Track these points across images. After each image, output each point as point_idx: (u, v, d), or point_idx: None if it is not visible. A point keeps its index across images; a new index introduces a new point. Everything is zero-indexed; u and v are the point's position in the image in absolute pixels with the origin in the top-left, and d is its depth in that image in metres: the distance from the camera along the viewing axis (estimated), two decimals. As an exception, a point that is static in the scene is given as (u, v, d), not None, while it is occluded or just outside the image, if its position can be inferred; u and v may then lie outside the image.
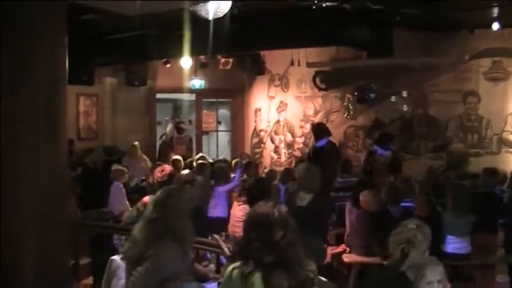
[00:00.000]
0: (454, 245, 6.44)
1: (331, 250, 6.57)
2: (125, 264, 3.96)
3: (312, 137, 11.60)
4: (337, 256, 6.60)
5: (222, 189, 7.97)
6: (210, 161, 10.60)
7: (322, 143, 9.25)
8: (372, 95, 10.44)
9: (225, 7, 5.63)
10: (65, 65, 3.60)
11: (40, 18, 3.43)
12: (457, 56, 10.04)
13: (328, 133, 9.45)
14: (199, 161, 9.65)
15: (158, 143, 13.63)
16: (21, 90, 3.37)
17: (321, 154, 8.98)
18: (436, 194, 7.23)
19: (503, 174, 7.81)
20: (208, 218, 7.51)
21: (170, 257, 3.69)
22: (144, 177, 10.19)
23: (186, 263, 4.10)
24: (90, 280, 6.55)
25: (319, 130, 9.66)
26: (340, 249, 6.77)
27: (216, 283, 4.55)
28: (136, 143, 11.56)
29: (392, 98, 10.95)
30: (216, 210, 7.74)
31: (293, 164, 11.61)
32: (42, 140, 3.44)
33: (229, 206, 7.92)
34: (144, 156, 11.52)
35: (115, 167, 9.21)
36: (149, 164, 11.24)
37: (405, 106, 10.91)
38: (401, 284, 3.39)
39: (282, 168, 10.63)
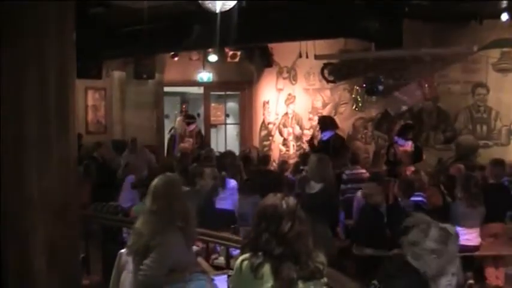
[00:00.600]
0: (463, 236, 6.41)
1: (339, 242, 6.58)
2: (131, 258, 3.98)
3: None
4: (346, 248, 6.60)
5: (234, 183, 7.91)
6: (217, 154, 10.61)
7: (327, 135, 9.23)
8: (381, 87, 10.42)
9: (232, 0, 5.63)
10: (73, 60, 3.63)
11: (47, 15, 3.46)
12: (466, 47, 9.99)
13: (333, 126, 9.42)
14: (205, 155, 9.65)
15: (167, 136, 13.68)
16: (28, 87, 3.41)
17: (326, 147, 8.98)
18: (446, 186, 7.23)
19: (510, 165, 7.78)
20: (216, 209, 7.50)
21: (175, 244, 3.72)
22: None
23: (191, 251, 4.13)
24: (100, 274, 6.58)
25: (324, 123, 9.65)
26: (348, 241, 6.77)
27: (226, 275, 4.57)
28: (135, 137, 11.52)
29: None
30: (224, 203, 7.73)
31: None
32: (51, 134, 3.47)
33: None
34: (147, 151, 11.44)
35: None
36: (153, 158, 11.15)
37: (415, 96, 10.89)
38: (404, 270, 3.39)
39: (292, 161, 10.67)
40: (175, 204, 3.78)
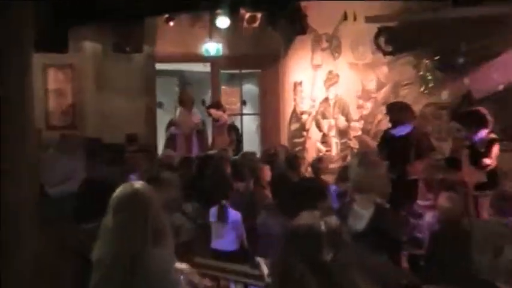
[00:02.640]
0: None
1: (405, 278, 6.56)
2: None
3: (377, 121, 11.66)
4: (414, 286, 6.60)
5: (236, 216, 7.44)
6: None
7: (404, 130, 9.15)
8: (461, 60, 10.40)
9: None
10: (29, 28, 3.69)
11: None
12: None
13: (412, 116, 9.38)
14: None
15: (161, 135, 13.73)
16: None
17: (404, 146, 8.87)
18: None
19: None
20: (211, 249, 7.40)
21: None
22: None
23: None
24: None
25: (399, 111, 9.56)
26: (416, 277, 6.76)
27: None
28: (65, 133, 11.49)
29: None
30: (222, 242, 7.41)
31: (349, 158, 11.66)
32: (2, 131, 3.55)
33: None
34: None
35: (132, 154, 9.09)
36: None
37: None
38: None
39: (333, 165, 10.65)
40: (145, 219, 3.82)
